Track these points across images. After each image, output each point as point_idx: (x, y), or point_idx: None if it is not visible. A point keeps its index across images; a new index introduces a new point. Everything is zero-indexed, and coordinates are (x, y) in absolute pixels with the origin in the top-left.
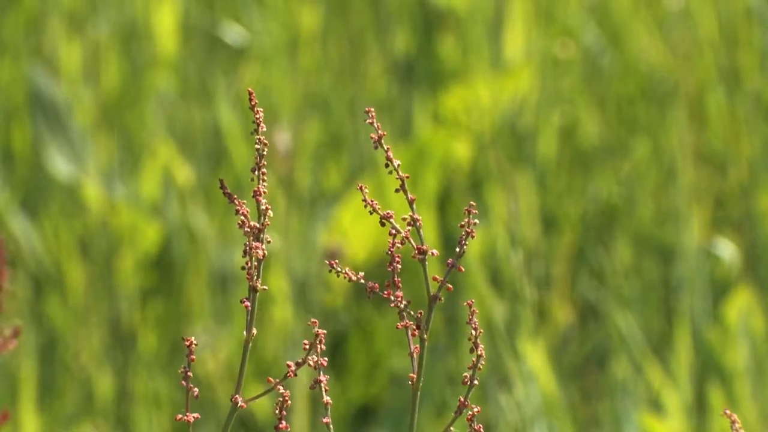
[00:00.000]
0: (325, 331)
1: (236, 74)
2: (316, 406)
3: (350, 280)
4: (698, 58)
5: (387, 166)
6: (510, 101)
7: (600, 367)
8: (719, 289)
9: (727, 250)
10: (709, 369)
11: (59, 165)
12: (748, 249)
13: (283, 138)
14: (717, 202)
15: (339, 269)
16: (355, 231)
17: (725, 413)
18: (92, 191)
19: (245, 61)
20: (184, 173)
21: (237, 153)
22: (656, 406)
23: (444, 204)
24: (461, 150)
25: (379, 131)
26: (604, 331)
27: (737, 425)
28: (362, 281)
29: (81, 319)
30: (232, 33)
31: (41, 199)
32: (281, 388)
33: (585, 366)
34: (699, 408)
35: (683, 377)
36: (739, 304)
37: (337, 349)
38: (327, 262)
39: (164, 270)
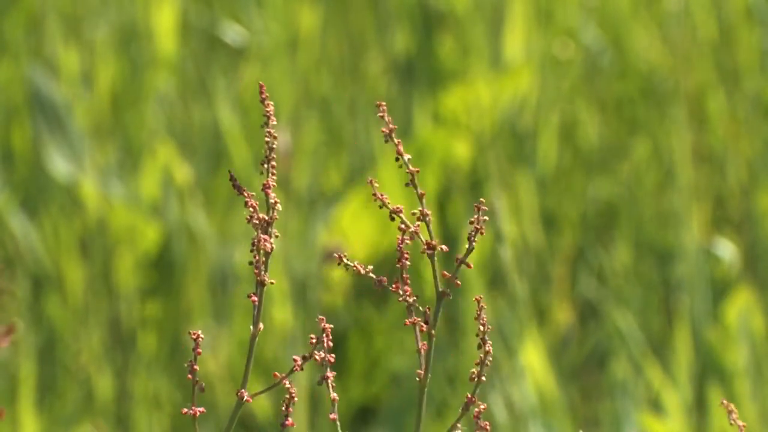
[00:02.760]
0: (332, 326)
1: (236, 74)
2: (316, 405)
3: (359, 273)
4: (698, 58)
5: (397, 160)
6: (510, 101)
7: (600, 367)
8: (719, 289)
9: (727, 250)
10: (709, 369)
11: (59, 165)
12: (748, 249)
13: (282, 138)
14: (717, 202)
15: (349, 263)
16: (354, 231)
17: (723, 403)
18: (91, 191)
19: (245, 61)
20: (184, 173)
21: (237, 153)
22: (656, 406)
23: (444, 204)
24: (461, 150)
25: (390, 125)
26: (604, 331)
27: (735, 415)
28: (372, 275)
29: (81, 319)
30: (232, 33)
31: (41, 199)
32: (287, 382)
33: (585, 366)
34: (699, 408)
35: (683, 377)
36: (739, 304)
37: (337, 349)
38: (336, 256)
39: (164, 270)
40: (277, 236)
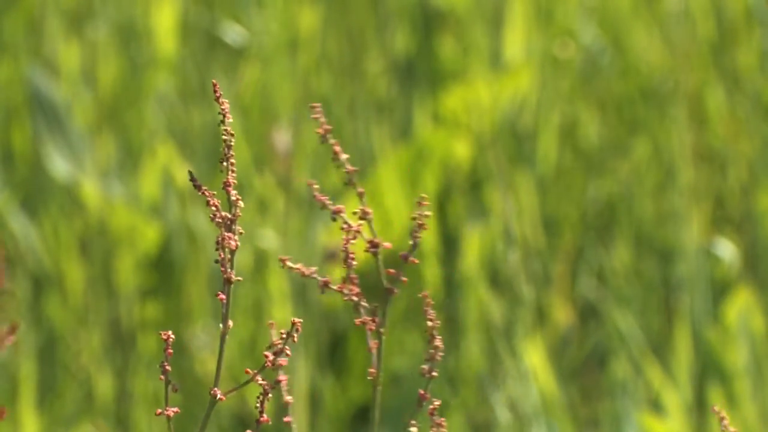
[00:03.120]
0: (301, 320)
1: (236, 74)
2: (316, 406)
3: (303, 275)
4: (698, 58)
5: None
6: (510, 101)
7: (600, 367)
8: (719, 289)
9: (727, 250)
10: (709, 369)
11: (59, 165)
12: (748, 249)
13: (282, 138)
14: (717, 202)
15: (292, 265)
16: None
17: (714, 411)
18: (91, 191)
19: (245, 61)
20: (184, 173)
21: (237, 153)
22: (656, 406)
23: (444, 204)
24: (461, 150)
25: (324, 126)
26: (604, 331)
27: (726, 422)
28: (315, 277)
29: (81, 319)
30: (232, 33)
31: (41, 199)
32: (259, 378)
33: (585, 366)
34: (699, 408)
35: (683, 377)
36: (739, 304)
37: (337, 349)
38: (280, 259)
39: (164, 270)
40: (241, 233)
